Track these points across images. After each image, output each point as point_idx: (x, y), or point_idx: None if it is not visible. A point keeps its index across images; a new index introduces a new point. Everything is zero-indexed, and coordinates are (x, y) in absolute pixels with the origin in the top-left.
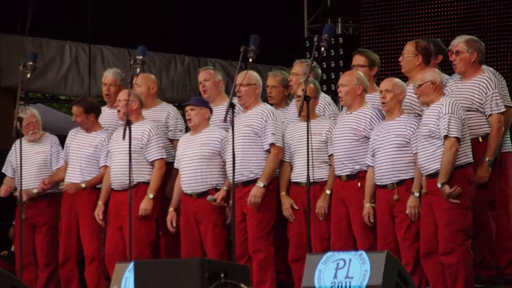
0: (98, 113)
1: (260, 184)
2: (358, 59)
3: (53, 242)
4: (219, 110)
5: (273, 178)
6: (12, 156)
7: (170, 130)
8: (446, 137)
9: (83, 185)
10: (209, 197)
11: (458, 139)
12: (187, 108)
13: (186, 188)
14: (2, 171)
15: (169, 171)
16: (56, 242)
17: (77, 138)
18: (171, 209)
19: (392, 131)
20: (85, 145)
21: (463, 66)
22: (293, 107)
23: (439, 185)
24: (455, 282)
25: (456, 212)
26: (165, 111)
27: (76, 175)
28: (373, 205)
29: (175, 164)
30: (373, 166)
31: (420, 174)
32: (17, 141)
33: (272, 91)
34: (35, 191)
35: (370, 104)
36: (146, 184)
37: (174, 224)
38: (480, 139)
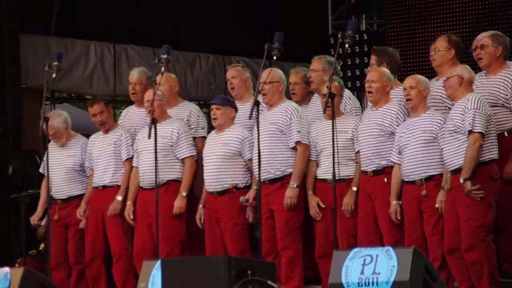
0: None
1: (293, 184)
2: (371, 59)
3: (82, 241)
4: (247, 107)
5: None
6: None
7: (192, 128)
8: (470, 132)
9: (119, 198)
10: (241, 198)
11: (482, 135)
12: (213, 106)
13: (208, 187)
14: (40, 170)
15: (196, 170)
16: (84, 242)
17: (97, 142)
18: (200, 206)
19: (419, 128)
20: (105, 145)
21: (488, 60)
22: (314, 104)
23: (461, 181)
24: (480, 278)
25: (477, 208)
26: (187, 110)
27: (101, 176)
28: (400, 202)
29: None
30: (399, 164)
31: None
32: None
33: (294, 88)
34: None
35: (395, 100)
36: (176, 182)
37: (203, 221)
38: (506, 134)
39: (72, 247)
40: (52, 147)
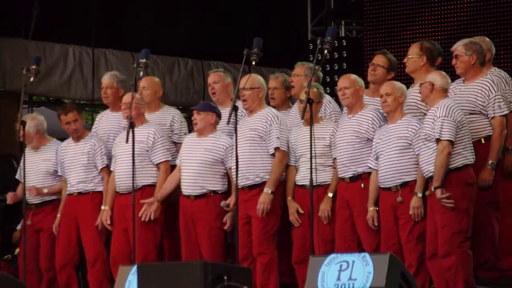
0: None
1: (268, 190)
2: (380, 59)
3: (54, 247)
4: (227, 112)
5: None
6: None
7: (175, 134)
8: (438, 140)
9: (45, 190)
10: (222, 203)
11: (450, 142)
12: (194, 111)
13: (184, 190)
14: (16, 177)
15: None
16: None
17: (69, 150)
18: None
19: (394, 134)
20: (78, 154)
21: (463, 68)
22: (295, 110)
23: (432, 189)
24: (455, 284)
25: (451, 214)
26: (169, 115)
27: (75, 184)
28: (377, 208)
29: (176, 161)
30: (376, 170)
31: (422, 175)
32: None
33: (274, 92)
34: (45, 190)
35: (371, 106)
36: (151, 186)
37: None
38: (483, 141)
39: (44, 253)
40: (28, 151)
